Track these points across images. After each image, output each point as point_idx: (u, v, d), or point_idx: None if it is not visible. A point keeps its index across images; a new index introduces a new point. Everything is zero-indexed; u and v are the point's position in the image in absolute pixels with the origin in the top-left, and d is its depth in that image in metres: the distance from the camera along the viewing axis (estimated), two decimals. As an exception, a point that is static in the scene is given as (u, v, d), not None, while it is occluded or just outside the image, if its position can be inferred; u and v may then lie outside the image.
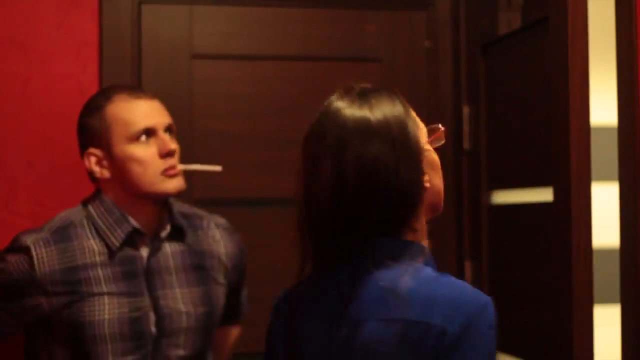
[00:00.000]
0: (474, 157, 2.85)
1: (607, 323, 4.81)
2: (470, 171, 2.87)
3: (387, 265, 1.47)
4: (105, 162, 2.10)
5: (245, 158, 2.78)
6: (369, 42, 2.88)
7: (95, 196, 2.15)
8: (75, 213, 2.14)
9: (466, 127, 2.87)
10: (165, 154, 2.08)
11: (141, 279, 2.10)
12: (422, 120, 1.57)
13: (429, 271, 1.51)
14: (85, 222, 2.11)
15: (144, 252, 2.12)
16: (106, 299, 2.05)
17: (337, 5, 2.88)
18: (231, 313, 2.33)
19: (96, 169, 2.11)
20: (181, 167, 2.13)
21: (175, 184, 2.09)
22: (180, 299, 2.13)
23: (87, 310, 2.04)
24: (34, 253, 2.06)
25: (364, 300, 1.45)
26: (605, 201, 4.44)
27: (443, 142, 1.59)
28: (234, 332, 2.43)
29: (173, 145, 2.09)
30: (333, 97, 1.58)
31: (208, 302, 2.17)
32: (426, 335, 1.38)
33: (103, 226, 2.09)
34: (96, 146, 2.10)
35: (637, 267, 2.37)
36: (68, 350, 2.08)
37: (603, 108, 4.16)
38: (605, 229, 4.48)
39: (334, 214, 1.46)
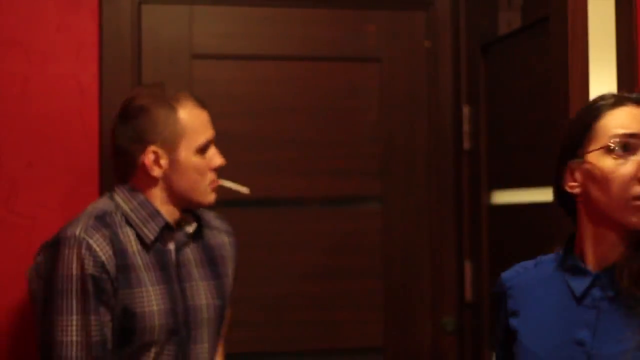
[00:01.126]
0: (474, 157, 2.85)
1: (607, 323, 4.80)
2: (470, 171, 2.87)
3: None
4: (162, 162, 2.12)
5: (245, 158, 2.78)
6: (369, 42, 2.88)
7: (124, 190, 2.14)
8: (106, 204, 2.13)
9: (466, 127, 2.87)
10: (215, 168, 2.16)
11: (172, 271, 2.13)
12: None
13: None
14: (119, 213, 2.12)
15: (171, 246, 2.15)
16: (151, 289, 2.08)
17: (337, 5, 2.88)
18: None
19: (154, 167, 2.12)
20: (221, 181, 2.22)
21: (214, 197, 2.19)
22: (202, 292, 2.18)
23: (138, 300, 2.05)
24: (90, 240, 2.02)
25: None
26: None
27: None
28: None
29: (222, 160, 2.17)
30: None
31: (222, 295, 2.22)
32: None
33: (136, 219, 2.11)
34: (160, 145, 2.11)
35: (637, 267, 2.36)
36: (113, 337, 2.05)
37: (603, 108, 4.16)
38: (605, 229, 4.47)
39: None
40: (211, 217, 2.32)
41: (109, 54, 2.64)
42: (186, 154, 2.12)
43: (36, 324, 2.05)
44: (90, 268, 2.00)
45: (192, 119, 2.12)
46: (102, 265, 2.01)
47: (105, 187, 2.55)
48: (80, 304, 1.99)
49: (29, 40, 2.60)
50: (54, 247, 2.04)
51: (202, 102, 2.17)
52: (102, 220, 2.08)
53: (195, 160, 2.12)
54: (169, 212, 2.15)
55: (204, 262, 2.22)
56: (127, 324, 2.04)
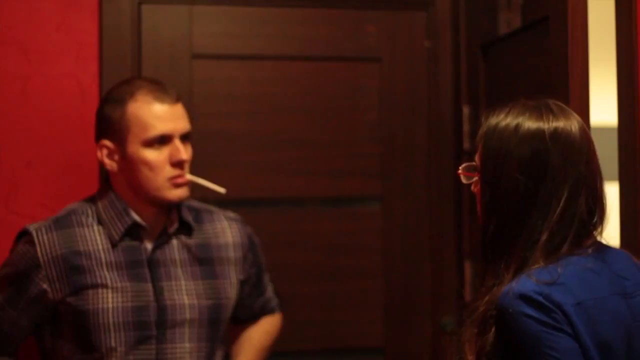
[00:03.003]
0: (474, 157, 2.84)
1: (607, 323, 4.80)
2: (470, 171, 2.86)
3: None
4: (116, 157, 2.13)
5: (245, 158, 2.78)
6: (369, 42, 2.88)
7: (102, 189, 2.19)
8: (79, 204, 2.19)
9: (466, 127, 2.87)
10: (176, 163, 2.11)
11: (144, 269, 2.13)
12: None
13: None
14: (90, 212, 2.15)
15: (149, 244, 2.15)
16: (109, 287, 2.08)
17: (337, 5, 2.88)
18: (259, 311, 2.38)
19: (106, 160, 2.15)
20: (189, 177, 2.16)
21: (178, 193, 2.13)
22: (185, 291, 2.15)
23: (91, 298, 2.07)
24: (36, 239, 2.10)
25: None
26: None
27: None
28: (265, 326, 2.42)
29: (185, 155, 2.12)
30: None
31: (215, 296, 2.19)
32: None
33: (106, 218, 2.14)
34: (111, 139, 2.13)
35: (637, 267, 2.36)
36: (73, 342, 2.09)
37: (603, 108, 4.16)
38: (605, 228, 4.47)
39: None
40: (220, 216, 2.30)
41: (109, 54, 2.64)
42: (134, 148, 2.10)
43: None
44: (22, 265, 2.09)
45: (141, 113, 2.10)
46: (36, 267, 2.08)
47: (105, 187, 2.55)
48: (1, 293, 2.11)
49: (29, 40, 2.60)
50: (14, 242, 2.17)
51: (163, 96, 2.13)
52: (63, 221, 2.13)
53: (145, 154, 2.09)
54: (144, 210, 2.14)
55: (195, 262, 2.19)
56: (80, 323, 2.07)
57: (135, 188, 2.13)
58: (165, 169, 2.11)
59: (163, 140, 2.11)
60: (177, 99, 2.16)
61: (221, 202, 2.78)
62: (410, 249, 2.88)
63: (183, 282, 2.16)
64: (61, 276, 2.08)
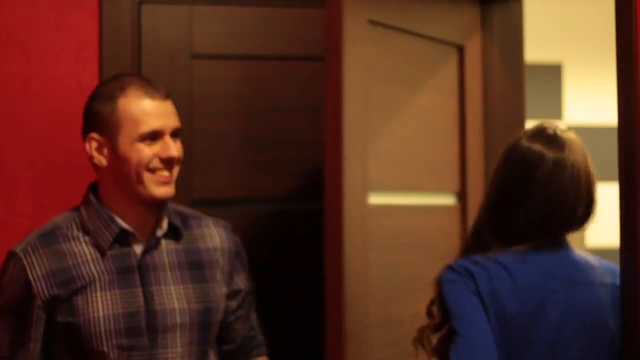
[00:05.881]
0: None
1: (607, 323, 4.79)
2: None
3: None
4: (105, 151, 2.12)
5: (245, 158, 2.78)
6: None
7: (86, 197, 2.17)
8: (64, 217, 2.18)
9: (466, 127, 2.87)
10: (166, 159, 2.10)
11: (134, 275, 2.11)
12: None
13: None
14: (74, 224, 2.14)
15: (138, 249, 2.13)
16: (100, 296, 2.08)
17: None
18: (245, 341, 2.31)
19: (95, 154, 2.13)
20: None
21: (163, 191, 2.11)
22: (175, 296, 2.14)
23: (81, 308, 2.06)
24: (24, 261, 2.09)
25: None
26: (605, 201, 4.42)
27: None
28: None
29: (175, 151, 2.11)
30: None
31: (204, 299, 2.17)
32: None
33: (92, 228, 2.12)
34: (101, 133, 2.12)
35: (637, 267, 2.37)
36: (68, 353, 2.09)
37: (603, 108, 4.15)
38: (605, 229, 4.47)
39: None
40: (208, 222, 2.27)
41: (109, 54, 2.64)
42: (125, 143, 2.09)
43: None
44: (17, 291, 2.08)
45: (133, 108, 2.09)
46: (28, 289, 2.07)
47: (105, 187, 2.55)
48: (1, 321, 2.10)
49: (29, 40, 2.60)
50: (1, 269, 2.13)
51: (153, 92, 2.11)
52: (49, 238, 2.12)
53: (137, 149, 2.08)
54: (131, 212, 2.13)
55: (184, 266, 2.17)
56: (72, 335, 2.07)
57: (123, 184, 2.11)
58: (153, 164, 2.09)
59: (154, 136, 2.09)
60: (167, 95, 2.14)
61: (221, 201, 2.78)
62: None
63: (173, 287, 2.14)
64: (53, 293, 2.07)
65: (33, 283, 2.07)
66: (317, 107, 2.84)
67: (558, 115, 4.43)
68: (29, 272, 2.07)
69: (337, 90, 2.15)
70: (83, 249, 2.11)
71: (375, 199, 2.29)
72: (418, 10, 2.38)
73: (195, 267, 2.19)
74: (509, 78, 2.73)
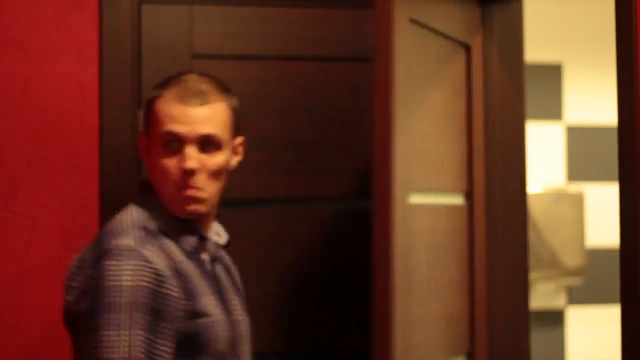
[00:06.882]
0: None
1: (607, 323, 4.81)
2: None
3: None
4: (149, 154, 2.01)
5: (245, 158, 2.78)
6: (369, 42, 2.89)
7: (145, 199, 2.00)
8: (138, 215, 1.96)
9: (466, 127, 2.87)
10: (183, 171, 1.91)
11: (215, 282, 1.99)
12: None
13: None
14: (153, 224, 1.96)
15: (205, 256, 2.02)
16: (209, 298, 1.93)
17: (337, 5, 2.88)
18: None
19: (144, 154, 2.02)
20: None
21: (190, 209, 1.94)
22: (239, 307, 2.05)
23: (201, 309, 1.90)
24: (145, 252, 1.86)
25: None
26: (605, 201, 4.46)
27: None
28: None
29: (191, 163, 1.90)
30: None
31: (247, 312, 2.11)
32: None
33: (171, 231, 1.96)
34: (145, 132, 2.02)
35: (637, 267, 2.37)
36: (174, 353, 1.90)
37: (603, 108, 4.16)
38: (606, 229, 4.49)
39: None
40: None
41: (109, 54, 2.64)
42: (155, 146, 1.96)
43: (77, 347, 1.85)
44: (145, 281, 1.82)
45: (159, 108, 1.96)
46: (159, 278, 1.84)
47: (105, 187, 2.55)
48: (131, 318, 1.79)
49: (29, 40, 2.60)
50: (101, 260, 1.85)
51: (188, 97, 1.94)
52: (148, 230, 1.92)
53: (159, 155, 1.94)
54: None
55: (228, 277, 2.09)
56: (192, 336, 1.88)
57: (164, 200, 1.96)
58: (175, 176, 1.92)
59: (176, 142, 1.93)
60: (204, 102, 1.94)
61: (221, 202, 2.78)
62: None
63: (235, 297, 2.04)
64: (175, 285, 1.86)
65: (163, 272, 1.85)
66: (318, 107, 2.85)
67: (558, 115, 4.44)
68: (155, 263, 1.85)
69: (387, 91, 2.07)
70: (175, 250, 1.93)
71: (414, 199, 2.27)
72: (434, 7, 2.37)
73: (233, 278, 2.13)
74: (509, 78, 2.73)
